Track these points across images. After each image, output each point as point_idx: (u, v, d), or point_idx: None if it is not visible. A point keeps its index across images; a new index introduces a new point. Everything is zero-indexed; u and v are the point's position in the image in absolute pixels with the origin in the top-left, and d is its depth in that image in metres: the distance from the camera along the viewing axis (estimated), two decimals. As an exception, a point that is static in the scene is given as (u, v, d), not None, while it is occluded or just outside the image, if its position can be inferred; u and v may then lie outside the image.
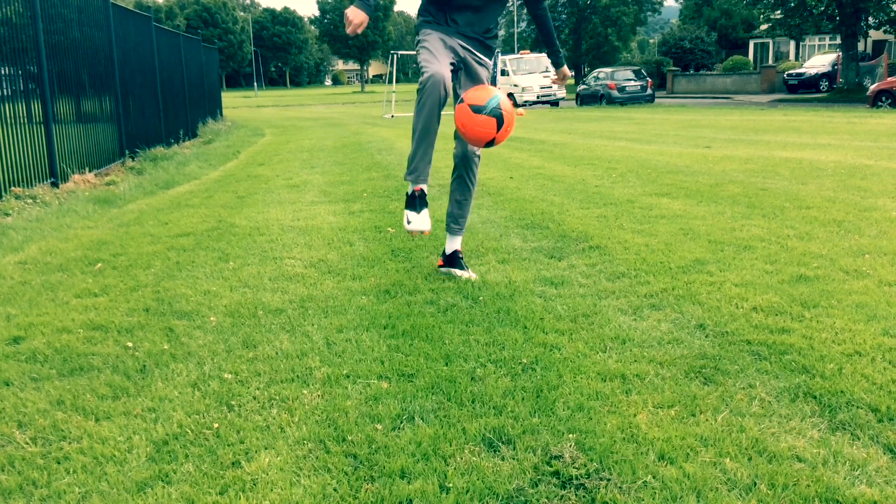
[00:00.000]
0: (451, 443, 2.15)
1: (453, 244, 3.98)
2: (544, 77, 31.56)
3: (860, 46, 32.16)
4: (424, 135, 3.42)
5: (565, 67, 4.00)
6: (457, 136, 3.73)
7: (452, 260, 3.97)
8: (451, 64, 3.54)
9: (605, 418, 2.27)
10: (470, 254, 4.40)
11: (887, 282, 3.57)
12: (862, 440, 2.12)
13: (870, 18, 29.45)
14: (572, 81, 39.64)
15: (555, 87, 31.62)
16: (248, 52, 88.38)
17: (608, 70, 31.57)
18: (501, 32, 60.07)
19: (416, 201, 3.50)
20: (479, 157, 3.91)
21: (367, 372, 2.69)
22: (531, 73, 31.73)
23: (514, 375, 2.62)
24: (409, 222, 3.52)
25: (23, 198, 6.89)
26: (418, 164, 3.47)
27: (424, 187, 3.51)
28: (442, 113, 3.44)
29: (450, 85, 3.41)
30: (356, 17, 3.37)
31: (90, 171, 8.81)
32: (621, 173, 7.90)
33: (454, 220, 3.97)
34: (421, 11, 3.76)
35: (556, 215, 5.54)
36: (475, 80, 3.74)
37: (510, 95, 31.38)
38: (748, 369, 2.62)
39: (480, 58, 3.76)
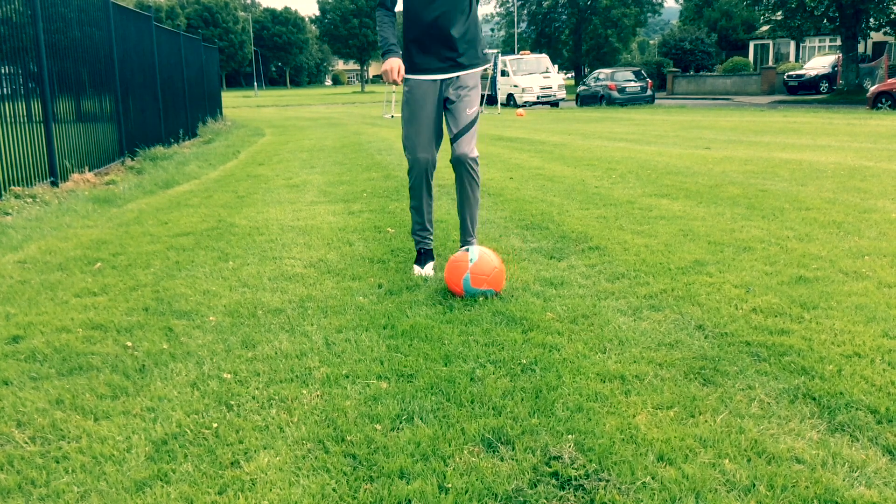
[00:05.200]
0: (450, 443, 2.15)
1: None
2: (544, 78, 31.57)
3: (860, 48, 32.16)
4: (414, 210, 4.05)
5: None
6: (452, 141, 3.86)
7: None
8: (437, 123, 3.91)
9: (604, 419, 2.27)
10: (469, 254, 4.40)
11: (887, 283, 3.57)
12: (861, 441, 2.12)
13: (870, 20, 29.46)
14: (567, 86, 39.61)
15: (554, 87, 31.68)
16: (248, 52, 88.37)
17: (608, 71, 31.56)
18: (502, 33, 60.10)
19: (420, 258, 4.10)
20: (473, 159, 3.88)
21: (366, 372, 2.69)
22: (531, 73, 31.75)
23: (514, 376, 2.62)
24: (414, 271, 4.04)
25: (22, 197, 6.89)
26: (415, 231, 4.10)
27: (427, 246, 4.11)
28: (433, 181, 4.00)
29: (434, 162, 3.92)
30: (388, 65, 3.71)
31: (90, 171, 8.80)
32: (621, 174, 7.90)
33: (464, 232, 4.05)
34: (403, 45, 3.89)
35: (555, 216, 5.54)
36: (458, 106, 3.87)
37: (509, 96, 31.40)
38: (747, 370, 2.62)
39: (465, 83, 3.87)
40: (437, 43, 3.79)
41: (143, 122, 11.96)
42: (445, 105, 3.90)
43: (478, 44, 3.91)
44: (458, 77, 3.86)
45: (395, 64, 3.70)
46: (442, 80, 3.86)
